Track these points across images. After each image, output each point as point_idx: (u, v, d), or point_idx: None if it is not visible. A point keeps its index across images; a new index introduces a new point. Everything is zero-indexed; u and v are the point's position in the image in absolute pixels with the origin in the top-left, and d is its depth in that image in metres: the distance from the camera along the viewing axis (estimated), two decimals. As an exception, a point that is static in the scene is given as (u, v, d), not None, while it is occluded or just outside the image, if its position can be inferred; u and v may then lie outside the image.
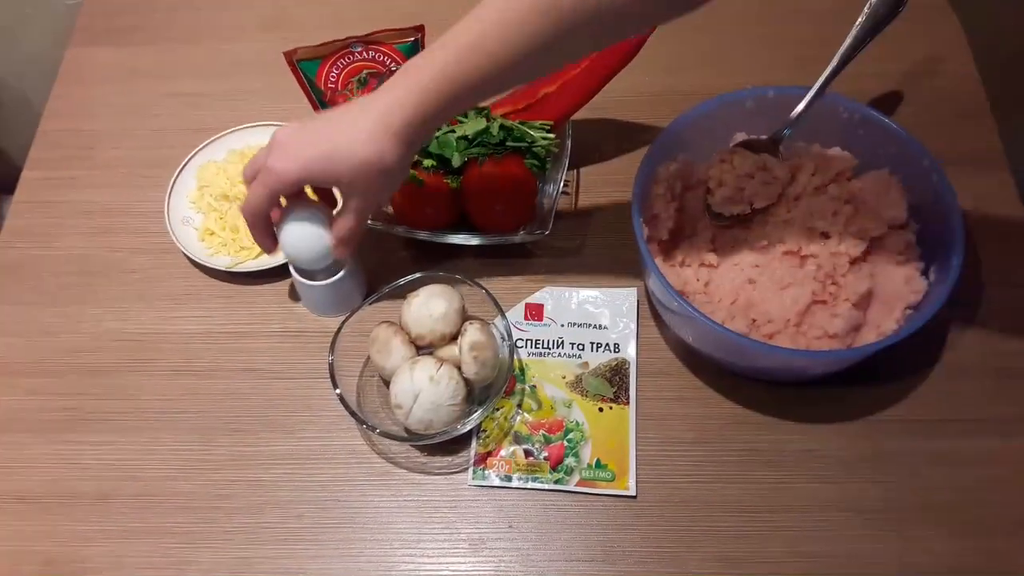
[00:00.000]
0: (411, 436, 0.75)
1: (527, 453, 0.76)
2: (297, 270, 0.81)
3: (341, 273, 0.80)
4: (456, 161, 0.82)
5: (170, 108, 1.00)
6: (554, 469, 0.75)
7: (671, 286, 0.71)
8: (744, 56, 1.01)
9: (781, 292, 0.76)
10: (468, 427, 0.74)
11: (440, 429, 0.73)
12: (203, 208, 0.90)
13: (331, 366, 0.75)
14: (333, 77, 0.94)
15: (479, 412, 0.73)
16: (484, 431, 0.77)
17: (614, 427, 0.77)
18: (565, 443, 0.76)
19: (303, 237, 0.73)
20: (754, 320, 0.76)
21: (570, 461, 0.75)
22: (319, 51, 0.93)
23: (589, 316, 0.82)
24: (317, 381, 0.81)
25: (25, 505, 0.76)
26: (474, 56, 0.63)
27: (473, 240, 0.87)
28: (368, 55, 0.94)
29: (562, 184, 0.84)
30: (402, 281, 0.79)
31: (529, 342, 0.81)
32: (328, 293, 0.81)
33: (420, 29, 0.94)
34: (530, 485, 0.75)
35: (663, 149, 0.79)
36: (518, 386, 0.79)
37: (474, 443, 0.77)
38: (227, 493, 0.76)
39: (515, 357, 0.80)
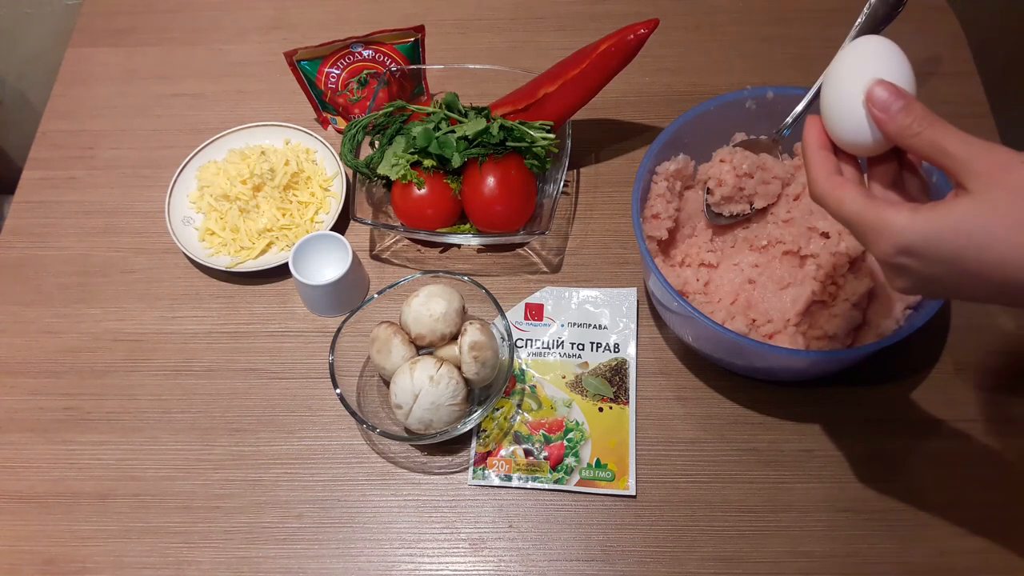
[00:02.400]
0: (411, 436, 0.75)
1: (527, 453, 0.76)
2: (297, 269, 0.81)
3: (341, 273, 0.80)
4: (456, 161, 0.82)
5: (170, 108, 1.00)
6: (554, 469, 0.75)
7: (671, 286, 0.71)
8: (744, 56, 1.01)
9: (781, 292, 0.76)
10: (468, 427, 0.74)
11: (440, 429, 0.73)
12: (203, 208, 0.90)
13: (331, 366, 0.75)
14: (333, 77, 0.94)
15: (479, 412, 0.73)
16: (484, 431, 0.77)
17: (614, 427, 0.77)
18: (565, 443, 0.76)
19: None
20: (754, 320, 0.76)
21: (570, 461, 0.75)
22: (319, 51, 0.93)
23: (589, 316, 0.83)
24: (317, 381, 0.81)
25: (25, 505, 0.76)
26: None
27: (473, 240, 0.87)
28: (368, 55, 0.94)
29: (562, 184, 0.84)
30: (402, 281, 0.80)
31: (529, 342, 0.81)
32: (328, 293, 0.81)
33: (420, 29, 0.95)
34: (530, 485, 0.75)
35: (663, 149, 0.79)
36: (518, 386, 0.79)
37: (474, 443, 0.77)
38: (226, 493, 0.76)
39: (515, 357, 0.80)
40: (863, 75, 0.50)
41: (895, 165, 0.52)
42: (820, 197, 0.51)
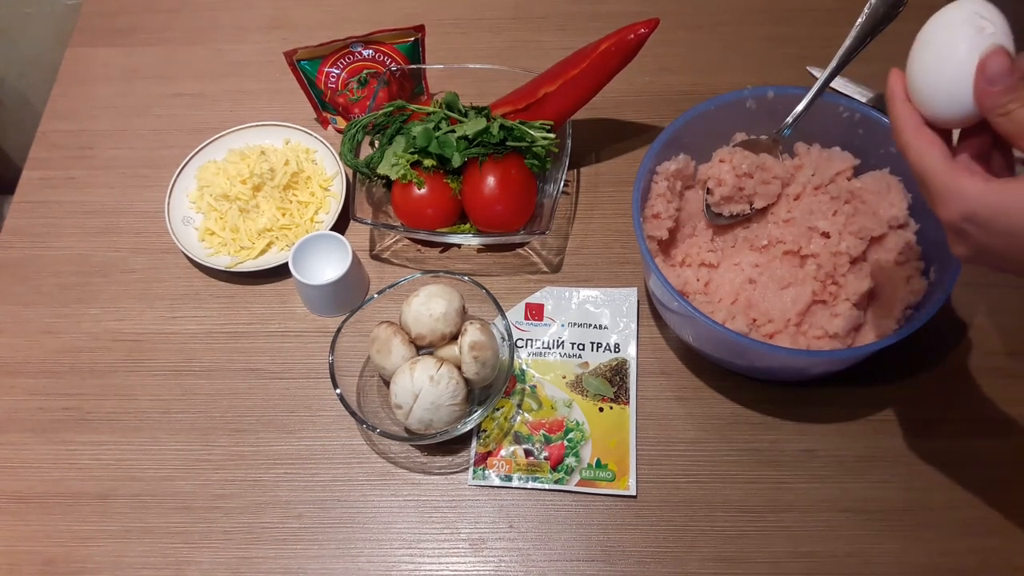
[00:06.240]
0: (411, 436, 0.75)
1: (527, 453, 0.76)
2: (297, 269, 0.81)
3: (341, 273, 0.80)
4: (456, 161, 0.82)
5: (170, 108, 1.00)
6: (554, 469, 0.75)
7: (671, 286, 0.71)
8: (744, 56, 1.01)
9: (781, 292, 0.76)
10: (468, 427, 0.74)
11: (440, 429, 0.73)
12: (203, 208, 0.90)
13: (331, 366, 0.75)
14: (333, 77, 0.94)
15: (479, 412, 0.73)
16: (484, 431, 0.77)
17: (614, 427, 0.77)
18: (565, 443, 0.76)
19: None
20: (754, 320, 0.76)
21: (570, 461, 0.75)
22: (319, 51, 0.93)
23: (589, 316, 0.82)
24: (317, 381, 0.81)
25: (25, 505, 0.76)
26: None
27: (473, 240, 0.87)
28: (368, 55, 0.94)
29: (562, 184, 0.84)
30: (402, 281, 0.79)
31: (529, 342, 0.81)
32: (328, 293, 0.81)
33: (420, 29, 0.95)
34: (530, 485, 0.75)
35: (663, 149, 0.79)
36: (518, 386, 0.79)
37: (474, 443, 0.77)
38: (226, 493, 0.76)
39: (515, 357, 0.80)
40: (978, 40, 0.47)
41: (988, 139, 0.51)
42: (904, 146, 0.52)
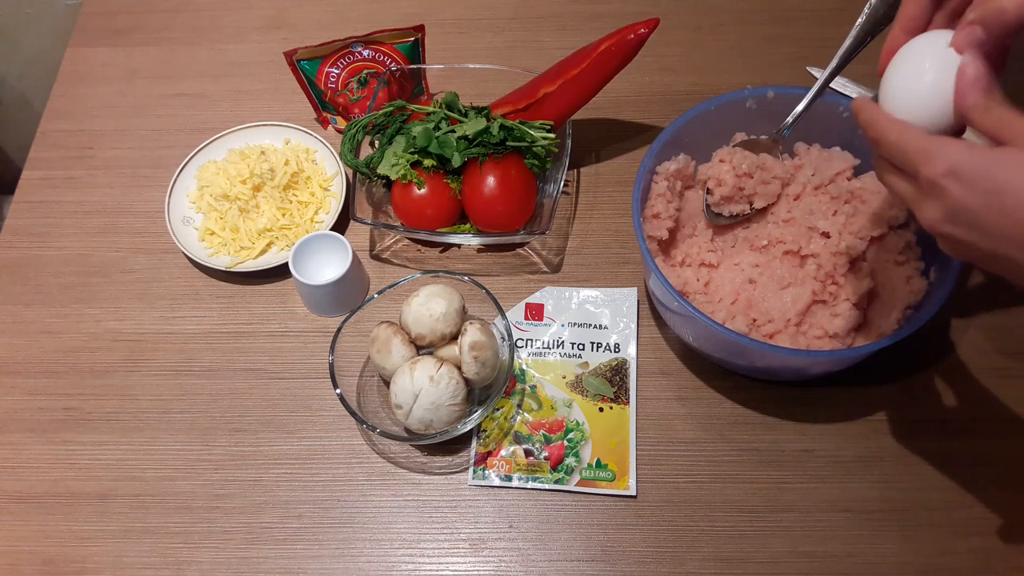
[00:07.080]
0: (411, 436, 0.75)
1: (527, 453, 0.76)
2: (297, 269, 0.81)
3: (341, 273, 0.80)
4: (456, 161, 0.82)
5: (170, 108, 1.00)
6: (554, 469, 0.75)
7: (671, 286, 0.71)
8: (744, 56, 1.01)
9: (781, 292, 0.77)
10: (468, 427, 0.74)
11: (440, 429, 0.73)
12: (203, 208, 0.90)
13: (331, 366, 0.75)
14: (333, 77, 0.94)
15: (479, 412, 0.73)
16: (484, 431, 0.77)
17: (614, 427, 0.77)
18: (565, 443, 0.76)
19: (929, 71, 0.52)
20: (754, 320, 0.76)
21: (570, 461, 0.75)
22: (319, 51, 0.93)
23: (589, 316, 0.82)
24: (317, 381, 0.81)
25: (25, 505, 0.76)
26: None
27: (473, 240, 0.87)
28: (368, 55, 0.94)
29: (562, 184, 0.84)
30: (402, 281, 0.80)
31: (529, 342, 0.81)
32: (328, 293, 0.81)
33: (420, 29, 0.95)
34: (530, 485, 0.75)
35: (663, 149, 0.79)
36: (518, 386, 0.79)
37: (474, 443, 0.77)
38: (227, 493, 0.76)
39: (515, 357, 0.80)
40: (954, 55, 0.51)
41: None
42: (881, 134, 0.53)
